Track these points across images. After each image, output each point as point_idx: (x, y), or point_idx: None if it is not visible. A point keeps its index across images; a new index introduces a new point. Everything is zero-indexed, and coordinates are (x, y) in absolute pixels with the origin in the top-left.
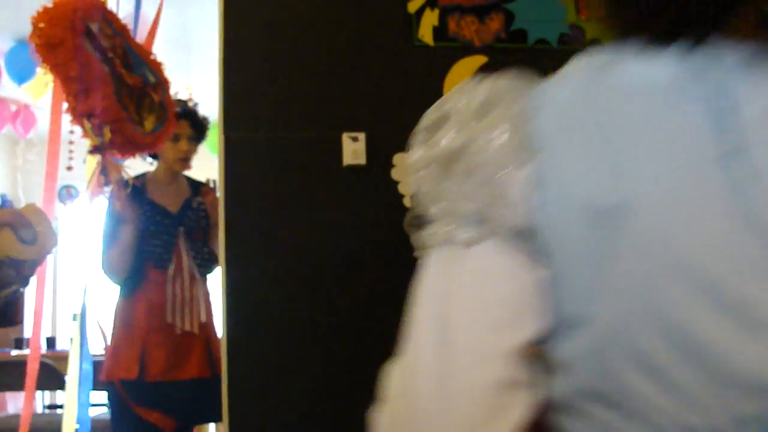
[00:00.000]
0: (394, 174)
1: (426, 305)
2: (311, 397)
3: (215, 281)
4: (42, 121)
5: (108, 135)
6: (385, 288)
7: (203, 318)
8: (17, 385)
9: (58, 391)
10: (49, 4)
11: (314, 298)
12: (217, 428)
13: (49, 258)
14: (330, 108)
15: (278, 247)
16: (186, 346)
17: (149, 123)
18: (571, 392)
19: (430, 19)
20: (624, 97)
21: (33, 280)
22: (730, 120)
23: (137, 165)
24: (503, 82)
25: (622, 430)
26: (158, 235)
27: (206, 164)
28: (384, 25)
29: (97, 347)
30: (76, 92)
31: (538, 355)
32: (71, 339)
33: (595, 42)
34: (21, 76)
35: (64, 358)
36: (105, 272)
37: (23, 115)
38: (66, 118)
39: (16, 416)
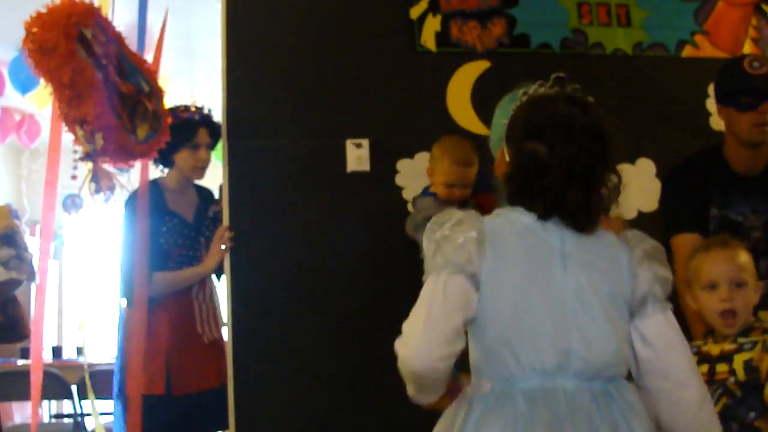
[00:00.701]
0: (399, 180)
1: (422, 300)
2: (317, 402)
3: (221, 286)
4: (46, 130)
5: (100, 142)
6: (390, 292)
7: (224, 324)
8: (24, 395)
9: (65, 401)
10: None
11: (319, 302)
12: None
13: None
14: (333, 115)
15: (283, 254)
16: (208, 357)
17: (142, 131)
18: (489, 343)
19: (433, 25)
20: (513, 230)
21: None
22: (565, 245)
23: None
24: (466, 213)
25: (508, 363)
26: (184, 249)
27: (211, 171)
28: (386, 31)
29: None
30: (69, 98)
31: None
32: (78, 348)
33: (596, 46)
34: (24, 85)
35: (69, 367)
36: (127, 291)
37: (28, 124)
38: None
39: (24, 425)
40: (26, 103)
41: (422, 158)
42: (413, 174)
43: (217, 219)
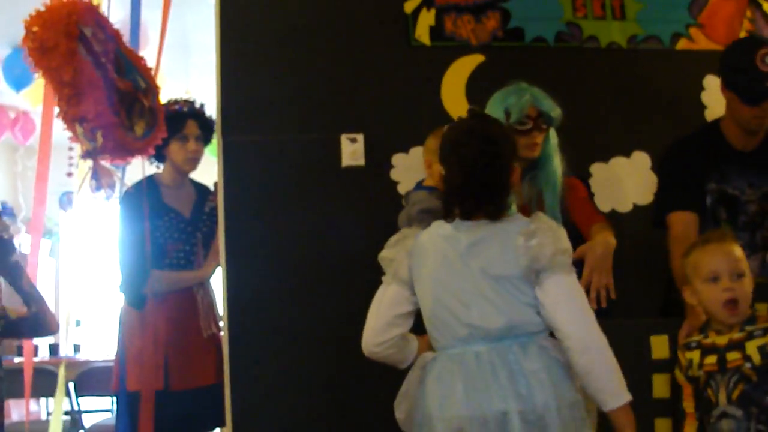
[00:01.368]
0: (394, 174)
1: (376, 299)
2: (314, 397)
3: (216, 282)
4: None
5: (100, 140)
6: None
7: (219, 320)
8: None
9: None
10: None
11: (314, 298)
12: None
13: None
14: (328, 109)
15: (278, 249)
16: (206, 352)
17: (139, 128)
18: (426, 325)
19: (427, 19)
20: (432, 241)
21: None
22: (464, 245)
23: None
24: (406, 233)
25: (437, 338)
26: (180, 243)
27: (206, 167)
28: (380, 25)
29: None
30: (69, 97)
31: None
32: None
33: (591, 39)
34: (19, 82)
35: (67, 364)
36: (126, 288)
37: (22, 122)
38: (58, 122)
39: (21, 423)
40: (20, 100)
41: (417, 153)
42: (408, 168)
43: (213, 214)
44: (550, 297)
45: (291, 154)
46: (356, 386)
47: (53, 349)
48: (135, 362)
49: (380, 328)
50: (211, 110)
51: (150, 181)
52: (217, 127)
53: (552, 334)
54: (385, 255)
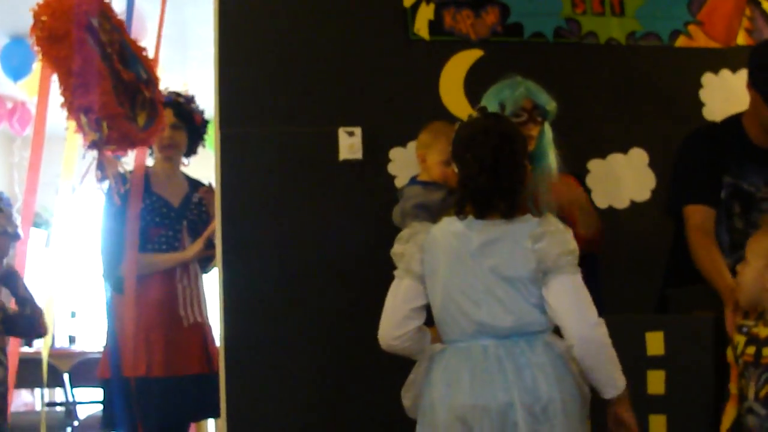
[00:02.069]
0: (391, 168)
1: (390, 293)
2: (309, 391)
3: (212, 275)
4: None
5: (106, 130)
6: (382, 281)
7: (206, 309)
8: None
9: (57, 389)
10: None
11: (311, 291)
12: (216, 424)
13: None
14: (326, 103)
15: (275, 242)
16: (189, 341)
17: (141, 119)
18: (436, 319)
19: (426, 14)
20: (444, 238)
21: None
22: (475, 245)
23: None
24: (417, 228)
25: (446, 332)
26: (163, 228)
27: (204, 161)
28: (379, 19)
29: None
30: (75, 86)
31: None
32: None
33: (590, 35)
34: (17, 72)
35: (62, 355)
36: (108, 273)
37: (20, 112)
38: (55, 113)
39: (15, 414)
40: (18, 90)
41: (415, 147)
42: (406, 162)
43: (201, 204)
44: (555, 296)
45: (288, 147)
46: (354, 382)
47: None
48: (121, 349)
49: (397, 323)
50: (209, 103)
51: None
52: (215, 120)
53: (557, 332)
54: (397, 250)
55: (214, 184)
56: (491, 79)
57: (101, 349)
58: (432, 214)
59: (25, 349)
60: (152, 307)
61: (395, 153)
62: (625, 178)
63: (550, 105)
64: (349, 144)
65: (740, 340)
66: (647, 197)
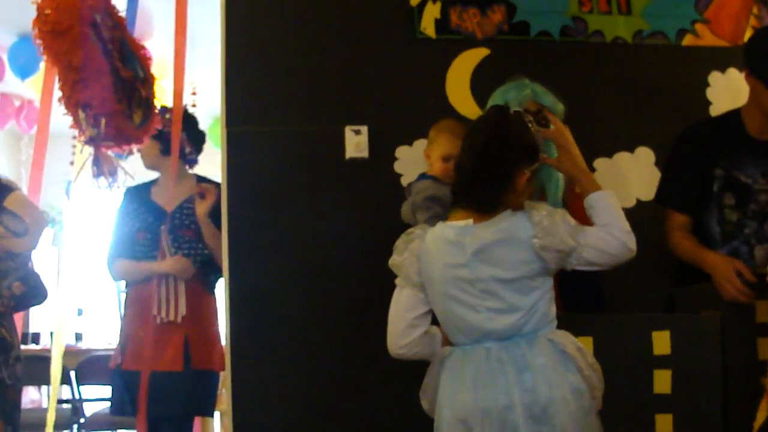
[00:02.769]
0: (398, 167)
1: (393, 302)
2: (314, 389)
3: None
4: None
5: (104, 127)
6: (388, 279)
7: (183, 311)
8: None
9: (63, 386)
10: None
11: (316, 290)
12: (221, 421)
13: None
14: (332, 101)
15: (281, 240)
16: (164, 338)
17: (137, 117)
18: (441, 325)
19: (432, 12)
20: (439, 244)
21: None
22: (469, 253)
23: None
24: (412, 236)
25: (451, 336)
26: (144, 232)
27: (210, 158)
28: (386, 18)
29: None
30: (74, 82)
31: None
32: (76, 334)
33: (596, 34)
34: (24, 70)
35: (69, 352)
36: (111, 274)
37: (27, 110)
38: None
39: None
40: (25, 88)
41: (421, 145)
42: (412, 161)
43: (183, 207)
44: (588, 253)
45: (295, 145)
46: (359, 380)
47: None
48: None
49: (401, 332)
50: (216, 102)
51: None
52: (222, 118)
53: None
54: (395, 261)
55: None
56: (497, 77)
57: (113, 349)
58: (444, 206)
59: (32, 346)
60: (133, 304)
61: (401, 151)
62: (631, 176)
63: (557, 107)
64: (356, 142)
65: None
66: (653, 196)
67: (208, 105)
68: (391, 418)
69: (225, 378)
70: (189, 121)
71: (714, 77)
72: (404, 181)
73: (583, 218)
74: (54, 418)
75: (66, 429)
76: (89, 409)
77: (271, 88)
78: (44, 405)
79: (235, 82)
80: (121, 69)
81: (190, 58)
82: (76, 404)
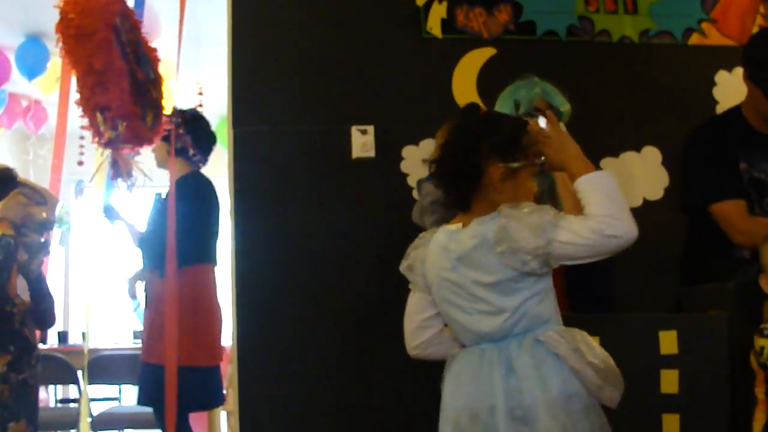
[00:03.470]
0: (404, 167)
1: (407, 304)
2: (320, 387)
3: (225, 273)
4: (53, 116)
5: (123, 129)
6: (394, 279)
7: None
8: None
9: (71, 386)
10: None
11: (323, 289)
12: (228, 421)
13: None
14: (338, 101)
15: (287, 240)
16: (160, 333)
17: (149, 119)
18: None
19: (439, 12)
20: (434, 249)
21: None
22: (453, 258)
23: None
24: (420, 239)
25: (457, 339)
26: None
27: (217, 158)
28: (392, 17)
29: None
30: (93, 84)
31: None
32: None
33: (603, 33)
34: (31, 71)
35: (75, 352)
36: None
37: (34, 110)
38: (75, 113)
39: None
40: (33, 89)
41: (427, 145)
42: (418, 161)
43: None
44: (562, 250)
45: (301, 145)
46: (366, 379)
47: (62, 336)
48: None
49: (412, 333)
50: (222, 101)
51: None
52: (228, 118)
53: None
54: (404, 265)
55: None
56: (504, 77)
57: (120, 349)
58: (449, 209)
59: (39, 345)
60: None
61: (408, 151)
62: (638, 176)
63: (565, 107)
64: (362, 142)
65: (764, 343)
66: (660, 195)
67: (214, 105)
68: (398, 418)
69: (232, 377)
70: (195, 123)
71: (721, 76)
72: (411, 181)
73: None
74: (86, 415)
75: (73, 428)
76: (96, 408)
77: (278, 88)
78: (51, 404)
79: (242, 81)
80: (137, 71)
81: (196, 58)
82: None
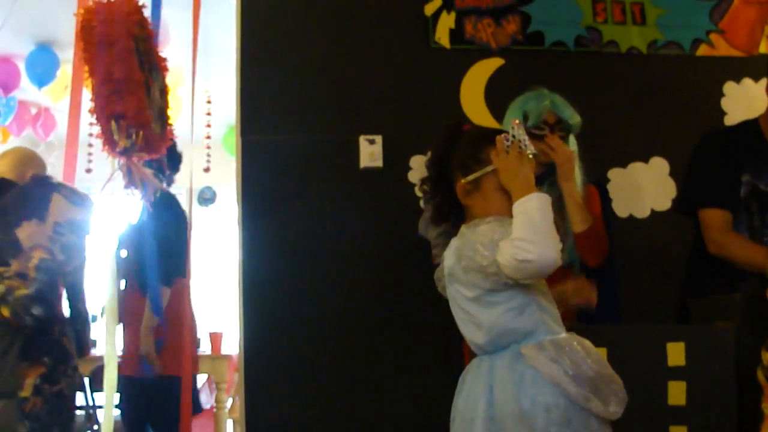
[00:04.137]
0: (411, 176)
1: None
2: (327, 398)
3: (232, 281)
4: (62, 124)
5: (139, 138)
6: (401, 288)
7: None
8: None
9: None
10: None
11: (330, 297)
12: (234, 429)
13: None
14: (346, 111)
15: (294, 249)
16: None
17: (157, 127)
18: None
19: (447, 22)
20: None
21: None
22: (447, 269)
23: None
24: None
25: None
26: None
27: (226, 166)
28: (401, 28)
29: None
30: (110, 93)
31: None
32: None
33: (611, 44)
34: (41, 79)
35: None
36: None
37: (43, 118)
38: (84, 120)
39: None
40: (42, 96)
41: None
42: (426, 171)
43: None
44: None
45: (309, 154)
46: (372, 385)
47: None
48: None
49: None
50: (231, 110)
51: None
52: (236, 127)
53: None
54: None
55: (235, 190)
56: (512, 87)
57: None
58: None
59: None
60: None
61: (415, 161)
62: (645, 187)
63: (574, 119)
64: (370, 152)
65: None
66: (668, 206)
67: (223, 114)
68: (405, 423)
69: (238, 385)
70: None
71: (729, 87)
72: (418, 191)
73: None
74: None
75: None
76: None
77: (286, 97)
78: None
79: (250, 91)
80: (151, 80)
81: (205, 67)
82: (90, 411)
